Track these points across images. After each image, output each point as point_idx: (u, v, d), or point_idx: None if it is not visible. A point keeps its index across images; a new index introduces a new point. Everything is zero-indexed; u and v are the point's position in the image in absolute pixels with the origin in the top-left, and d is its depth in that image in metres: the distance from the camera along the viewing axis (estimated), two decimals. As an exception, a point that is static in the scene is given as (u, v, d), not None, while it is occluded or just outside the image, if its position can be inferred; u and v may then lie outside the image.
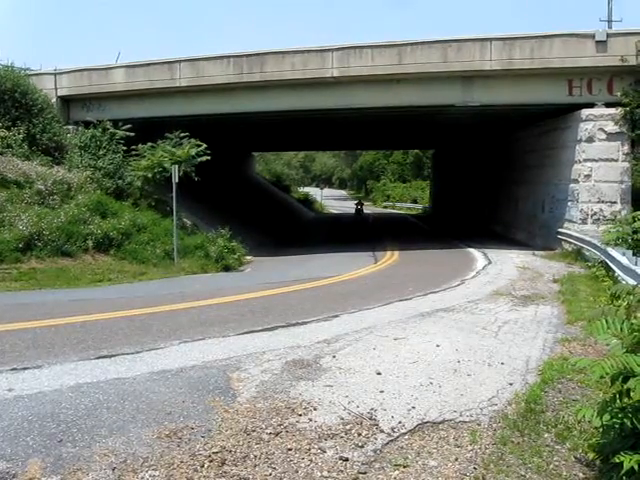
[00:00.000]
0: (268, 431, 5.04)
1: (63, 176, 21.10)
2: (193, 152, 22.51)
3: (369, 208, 58.77)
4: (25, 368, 6.17)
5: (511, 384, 6.49)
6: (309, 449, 4.79)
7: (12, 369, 6.11)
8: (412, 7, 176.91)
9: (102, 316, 9.92)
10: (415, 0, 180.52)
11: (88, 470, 4.10)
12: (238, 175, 43.31)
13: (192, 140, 23.04)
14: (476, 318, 10.11)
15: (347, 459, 4.65)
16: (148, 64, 25.44)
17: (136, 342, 7.63)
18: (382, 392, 6.10)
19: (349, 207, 56.88)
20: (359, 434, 5.12)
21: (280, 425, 5.18)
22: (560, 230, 21.64)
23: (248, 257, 23.31)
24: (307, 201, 65.23)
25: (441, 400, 5.94)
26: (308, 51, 23.13)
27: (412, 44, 21.98)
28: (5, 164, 20.31)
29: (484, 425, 5.40)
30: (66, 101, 26.70)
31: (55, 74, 26.64)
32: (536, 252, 21.43)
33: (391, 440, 5.07)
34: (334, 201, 77.38)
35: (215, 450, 4.61)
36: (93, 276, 15.75)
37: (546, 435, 5.19)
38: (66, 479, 3.94)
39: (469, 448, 4.93)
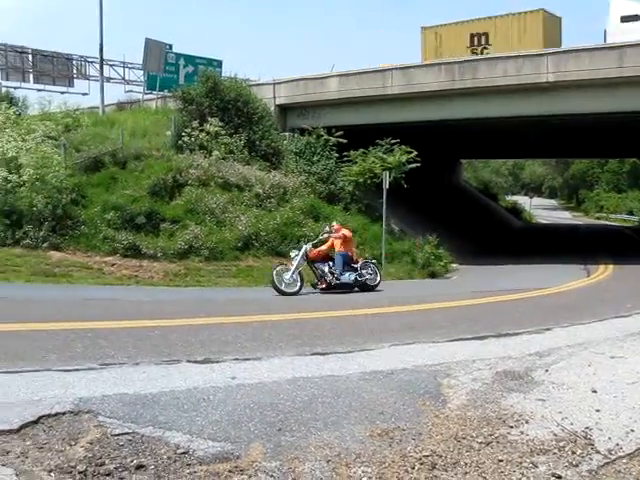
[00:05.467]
0: (479, 440, 4.96)
1: (279, 180, 22.09)
2: (403, 159, 22.68)
3: (580, 219, 55.92)
4: (246, 359, 6.52)
5: None
6: (521, 462, 4.65)
7: (235, 359, 6.47)
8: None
9: (314, 315, 10.30)
10: None
11: (304, 460, 4.24)
12: (445, 182, 43.02)
13: (402, 147, 23.20)
14: None
15: (560, 477, 4.46)
16: (361, 73, 25.98)
17: (348, 342, 7.81)
18: (598, 411, 5.79)
19: (559, 218, 54.46)
20: (573, 452, 4.90)
21: (491, 435, 5.08)
22: None
23: (454, 265, 23.11)
24: (515, 210, 63.42)
25: (663, 426, 5.55)
26: (522, 56, 22.50)
27: (634, 45, 20.61)
28: (228, 168, 21.64)
29: None
30: (283, 109, 27.89)
31: (274, 84, 27.94)
32: None
33: (607, 462, 4.80)
34: (543, 211, 74.45)
35: (426, 453, 4.60)
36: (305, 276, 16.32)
37: None
38: (284, 465, 4.08)
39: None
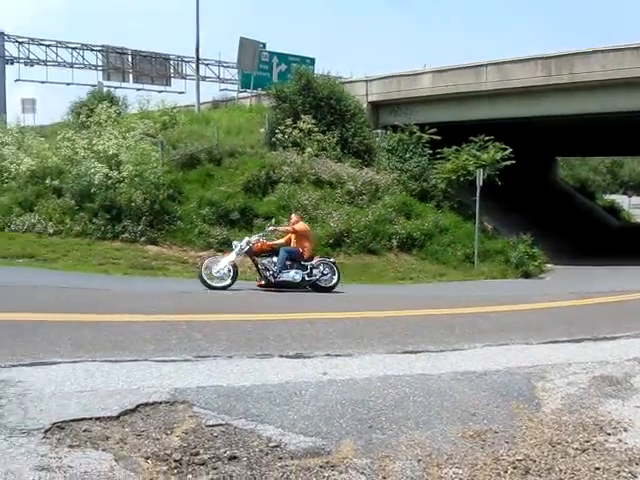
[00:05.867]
0: (574, 446, 4.82)
1: (371, 177, 22.11)
2: (498, 156, 22.29)
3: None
4: (337, 355, 6.53)
5: None
6: (618, 471, 4.49)
7: (326, 355, 6.50)
8: None
9: (404, 313, 10.24)
10: None
11: (395, 458, 4.22)
12: (539, 180, 41.94)
13: (496, 144, 22.80)
14: None
15: (660, 489, 4.30)
16: (454, 68, 25.70)
17: (440, 341, 7.74)
18: (702, 421, 5.55)
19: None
20: (675, 463, 4.71)
21: (587, 442, 4.93)
22: None
23: (548, 265, 22.56)
24: (613, 209, 61.29)
25: None
26: (622, 49, 21.63)
27: None
28: (320, 165, 21.80)
29: None
30: (375, 106, 27.87)
31: (366, 81, 27.96)
32: None
33: None
34: (643, 210, 71.61)
35: (519, 457, 4.51)
36: (395, 274, 16.30)
37: None
38: (375, 463, 4.07)
39: None
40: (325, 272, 14.53)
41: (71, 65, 37.98)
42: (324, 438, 4.23)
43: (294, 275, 14.16)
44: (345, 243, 18.57)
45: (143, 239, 18.45)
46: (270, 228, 15.37)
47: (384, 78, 27.95)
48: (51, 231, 18.68)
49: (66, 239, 18.25)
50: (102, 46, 38.68)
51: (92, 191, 19.33)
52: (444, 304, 11.69)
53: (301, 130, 23.50)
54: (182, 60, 40.34)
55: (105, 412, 4.29)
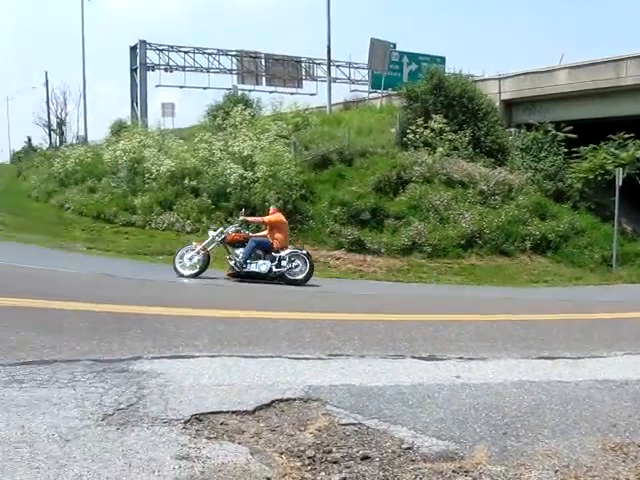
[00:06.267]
0: None
1: (504, 177, 21.67)
2: (638, 154, 21.27)
3: None
4: (471, 358, 6.45)
5: None
6: None
7: (459, 358, 6.43)
8: None
9: (540, 317, 9.99)
10: None
11: (531, 467, 4.12)
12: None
13: (637, 142, 21.78)
14: None
15: None
16: (591, 64, 24.79)
17: (576, 347, 7.49)
18: None
19: None
20: None
21: None
22: None
23: (696, 269, 21.27)
24: None
25: None
26: None
27: None
28: (452, 165, 21.58)
29: None
30: (508, 104, 27.35)
31: (499, 79, 27.49)
32: None
33: None
34: None
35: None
36: (529, 277, 15.92)
37: None
38: (510, 471, 3.99)
39: None
40: (295, 264, 14.16)
41: (207, 70, 39.48)
42: (457, 442, 4.19)
43: (260, 266, 13.97)
44: (477, 244, 18.28)
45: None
46: (241, 218, 15.12)
47: (517, 75, 27.36)
48: (189, 229, 19.58)
49: (203, 237, 18.93)
50: (237, 51, 39.95)
51: (228, 191, 20.12)
52: (580, 309, 11.29)
53: (432, 130, 23.32)
54: (313, 62, 41.01)
55: (241, 406, 4.45)
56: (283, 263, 14.00)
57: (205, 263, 14.01)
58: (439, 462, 3.84)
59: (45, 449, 3.47)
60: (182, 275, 13.67)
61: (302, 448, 3.85)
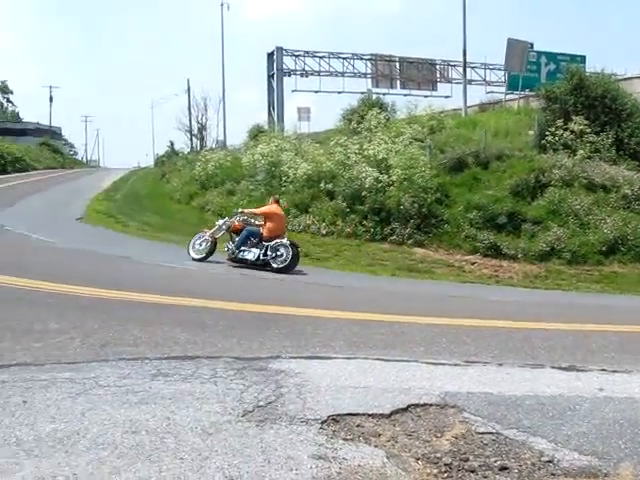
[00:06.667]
0: None
1: (649, 181, 20.61)
2: None
3: None
4: (614, 371, 6.20)
5: None
6: None
7: (601, 369, 6.20)
8: None
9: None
10: None
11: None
12: None
13: None
14: None
15: None
16: None
17: None
18: None
19: None
20: None
21: None
22: None
23: None
24: None
25: None
26: None
27: None
28: (593, 168, 20.80)
29: None
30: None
31: (647, 78, 26.15)
32: None
33: None
34: None
35: None
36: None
37: None
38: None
39: None
40: (279, 253, 14.68)
41: (342, 74, 40.00)
42: (600, 458, 4.02)
43: (248, 253, 14.91)
44: (620, 251, 17.48)
45: (410, 242, 18.93)
46: (239, 210, 16.16)
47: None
48: (324, 232, 19.91)
49: (337, 240, 19.27)
50: (371, 55, 40.20)
51: (362, 194, 20.31)
52: None
53: (572, 131, 22.52)
54: (448, 64, 40.66)
55: (377, 409, 4.48)
56: (268, 252, 14.79)
57: (211, 249, 15.22)
58: (581, 478, 3.71)
59: (189, 441, 3.65)
60: (193, 258, 14.88)
61: (439, 455, 3.84)
